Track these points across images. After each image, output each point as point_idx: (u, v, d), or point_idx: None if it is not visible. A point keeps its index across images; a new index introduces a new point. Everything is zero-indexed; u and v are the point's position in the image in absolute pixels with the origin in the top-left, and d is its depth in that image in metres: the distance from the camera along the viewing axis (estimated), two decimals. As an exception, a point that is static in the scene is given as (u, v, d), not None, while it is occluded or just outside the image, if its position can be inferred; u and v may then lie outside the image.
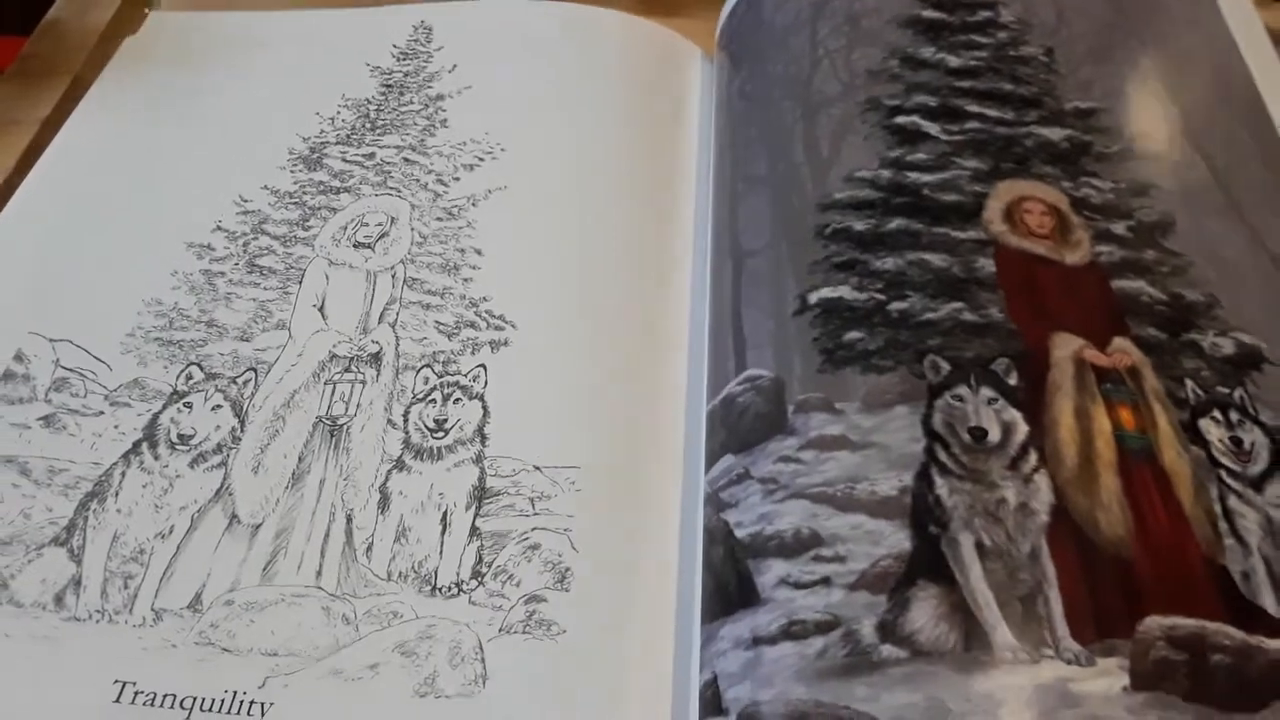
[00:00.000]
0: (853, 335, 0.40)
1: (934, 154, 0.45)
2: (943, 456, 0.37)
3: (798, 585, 0.35)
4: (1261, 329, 0.40)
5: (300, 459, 0.40)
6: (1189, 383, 0.38)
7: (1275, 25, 0.50)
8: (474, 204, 0.49)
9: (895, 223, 0.43)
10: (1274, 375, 0.39)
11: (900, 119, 0.46)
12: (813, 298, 0.42)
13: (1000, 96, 0.46)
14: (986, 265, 0.41)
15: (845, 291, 0.41)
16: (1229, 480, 0.36)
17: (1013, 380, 0.38)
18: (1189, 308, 0.40)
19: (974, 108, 0.45)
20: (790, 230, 0.45)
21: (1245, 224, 0.43)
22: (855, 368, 0.40)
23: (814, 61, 0.50)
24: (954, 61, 0.47)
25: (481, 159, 0.50)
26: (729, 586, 0.36)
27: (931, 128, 0.45)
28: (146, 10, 0.59)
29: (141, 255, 0.46)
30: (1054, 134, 0.45)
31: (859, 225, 0.43)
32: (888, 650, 0.33)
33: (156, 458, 0.40)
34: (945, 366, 0.39)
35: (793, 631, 0.34)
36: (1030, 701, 0.32)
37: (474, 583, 0.37)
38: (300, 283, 0.46)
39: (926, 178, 0.44)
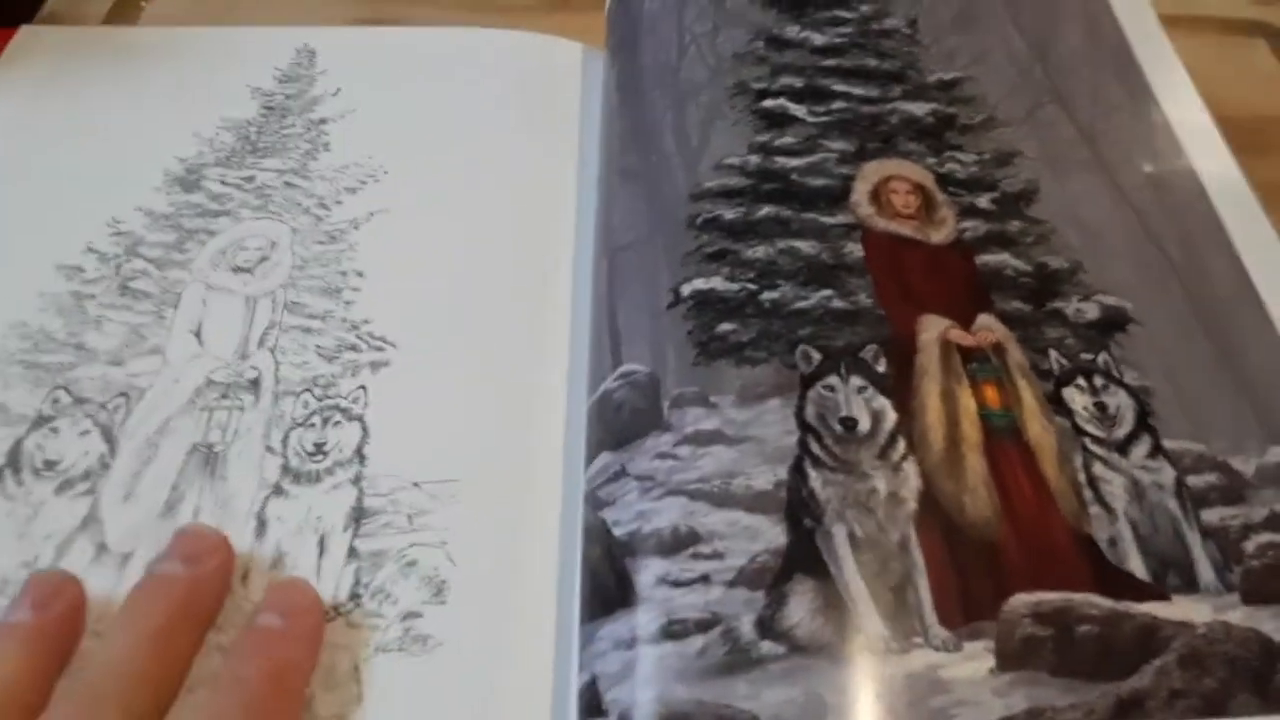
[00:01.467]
0: (725, 327, 0.40)
1: (801, 137, 0.44)
2: (815, 448, 0.37)
3: (676, 583, 0.35)
4: (1125, 288, 0.40)
5: (174, 487, 0.39)
6: (1053, 353, 0.38)
7: (1275, 22, 0.49)
8: (355, 227, 0.48)
9: (765, 210, 0.43)
10: (1139, 334, 0.39)
11: (767, 102, 0.46)
12: (685, 290, 0.41)
13: (865, 73, 0.46)
14: (855, 250, 0.41)
15: (717, 283, 0.41)
16: (1093, 447, 0.37)
17: (881, 367, 0.39)
18: (1053, 276, 0.40)
19: (839, 86, 0.45)
20: (662, 222, 0.44)
21: (1109, 179, 0.43)
22: (729, 360, 0.39)
23: (681, 48, 0.50)
24: (818, 39, 0.47)
25: (364, 181, 0.49)
26: (608, 586, 0.36)
27: (798, 110, 0.45)
28: (142, 4, 0.58)
29: (5, 276, 0.45)
30: (918, 109, 0.44)
31: (729, 214, 0.43)
32: (767, 646, 0.33)
33: (20, 484, 0.39)
34: (816, 356, 0.39)
35: (672, 631, 0.34)
36: (901, 690, 0.32)
37: (351, 604, 0.37)
38: (175, 307, 0.45)
39: (794, 162, 0.44)
